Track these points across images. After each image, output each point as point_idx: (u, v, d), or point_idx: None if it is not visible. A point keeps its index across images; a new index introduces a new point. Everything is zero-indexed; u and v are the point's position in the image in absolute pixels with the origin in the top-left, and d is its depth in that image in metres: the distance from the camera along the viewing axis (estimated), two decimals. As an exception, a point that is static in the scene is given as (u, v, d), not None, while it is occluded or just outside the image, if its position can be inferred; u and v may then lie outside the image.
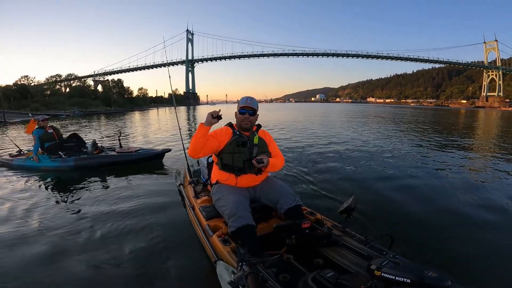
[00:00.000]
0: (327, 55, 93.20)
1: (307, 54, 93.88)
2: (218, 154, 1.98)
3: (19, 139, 9.46)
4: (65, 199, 3.55)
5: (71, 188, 4.00)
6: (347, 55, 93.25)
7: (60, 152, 4.94)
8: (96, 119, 23.83)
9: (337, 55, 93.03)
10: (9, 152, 6.02)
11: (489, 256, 2.17)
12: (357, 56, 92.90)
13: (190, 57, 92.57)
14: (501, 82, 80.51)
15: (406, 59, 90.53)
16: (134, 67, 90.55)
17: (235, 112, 1.99)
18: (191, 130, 12.53)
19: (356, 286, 1.21)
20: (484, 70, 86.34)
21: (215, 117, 1.73)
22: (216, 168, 2.02)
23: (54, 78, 60.64)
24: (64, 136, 5.46)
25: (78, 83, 61.97)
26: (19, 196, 3.65)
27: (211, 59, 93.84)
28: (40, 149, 5.04)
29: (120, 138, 6.08)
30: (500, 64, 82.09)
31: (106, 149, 5.51)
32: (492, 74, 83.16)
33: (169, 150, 5.68)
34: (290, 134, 10.39)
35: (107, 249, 2.25)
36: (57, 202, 3.46)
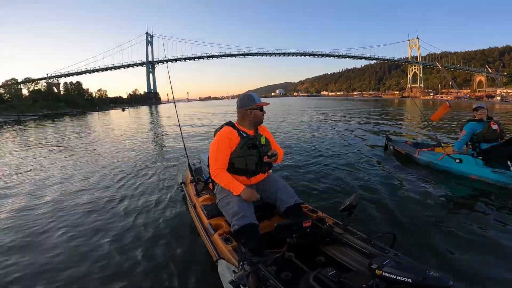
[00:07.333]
0: (287, 54, 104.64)
1: (270, 54, 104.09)
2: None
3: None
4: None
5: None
6: (303, 54, 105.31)
7: (509, 162, 3.38)
8: (67, 120, 23.87)
9: (295, 54, 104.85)
10: (407, 140, 5.27)
11: (492, 256, 2.05)
12: (312, 55, 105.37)
13: (150, 59, 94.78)
14: (421, 75, 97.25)
15: (351, 57, 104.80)
16: (92, 69, 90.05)
17: (248, 110, 1.92)
18: (157, 131, 12.66)
19: (357, 284, 1.21)
20: (409, 65, 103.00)
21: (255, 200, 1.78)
22: None
23: (10, 82, 56.76)
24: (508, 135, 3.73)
25: (44, 86, 60.91)
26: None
27: (171, 60, 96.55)
28: (471, 150, 3.74)
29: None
30: (420, 59, 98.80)
31: None
32: (415, 68, 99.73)
33: None
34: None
35: (107, 247, 2.25)
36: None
